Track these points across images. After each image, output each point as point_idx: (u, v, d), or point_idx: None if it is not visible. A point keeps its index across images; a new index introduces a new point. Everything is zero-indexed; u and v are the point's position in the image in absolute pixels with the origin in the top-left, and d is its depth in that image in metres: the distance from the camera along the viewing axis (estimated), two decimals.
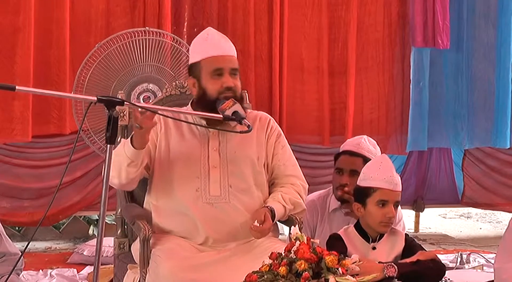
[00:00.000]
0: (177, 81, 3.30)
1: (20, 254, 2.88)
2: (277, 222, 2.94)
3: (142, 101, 4.23)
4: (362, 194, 2.78)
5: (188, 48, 4.31)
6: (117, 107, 2.22)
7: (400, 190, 2.78)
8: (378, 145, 3.49)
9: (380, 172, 2.75)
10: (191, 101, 2.94)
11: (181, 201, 2.79)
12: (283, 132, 3.03)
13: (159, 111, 2.57)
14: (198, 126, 2.84)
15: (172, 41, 4.36)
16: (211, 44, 2.82)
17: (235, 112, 2.69)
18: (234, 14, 4.94)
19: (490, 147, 5.62)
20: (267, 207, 2.76)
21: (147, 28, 4.40)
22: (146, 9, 4.74)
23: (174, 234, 2.81)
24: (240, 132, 2.67)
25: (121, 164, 2.68)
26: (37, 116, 4.61)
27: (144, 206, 2.98)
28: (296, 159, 3.04)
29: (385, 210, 2.73)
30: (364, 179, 2.80)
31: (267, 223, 2.68)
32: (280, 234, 3.22)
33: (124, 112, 3.11)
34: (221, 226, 2.78)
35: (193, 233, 2.78)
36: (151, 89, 4.29)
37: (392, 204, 2.74)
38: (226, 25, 4.90)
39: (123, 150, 2.67)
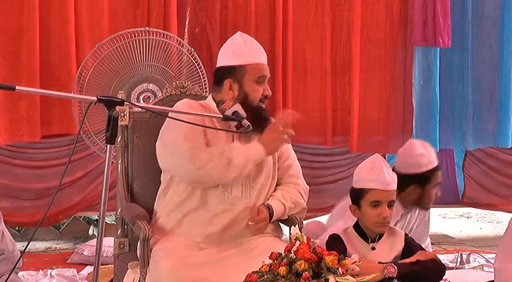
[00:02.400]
0: (177, 81, 3.31)
1: (20, 254, 2.87)
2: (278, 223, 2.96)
3: (142, 101, 4.23)
4: (356, 196, 2.78)
5: (189, 49, 4.36)
6: (117, 107, 2.22)
7: (394, 189, 2.75)
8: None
9: (372, 172, 2.73)
10: (211, 96, 2.95)
11: (202, 196, 2.81)
12: None
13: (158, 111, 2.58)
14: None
15: (173, 42, 4.37)
16: (255, 51, 2.90)
17: (235, 112, 2.71)
18: (236, 14, 4.93)
19: (491, 147, 5.61)
20: (263, 204, 2.82)
21: (147, 28, 4.40)
22: (150, 10, 4.72)
23: (177, 225, 2.82)
24: (240, 132, 2.69)
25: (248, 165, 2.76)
26: (45, 116, 4.60)
27: (162, 187, 2.95)
28: (297, 159, 3.07)
29: (379, 211, 2.71)
30: (357, 181, 2.79)
31: (261, 215, 2.75)
32: None
33: (124, 112, 3.11)
34: (230, 228, 2.80)
35: (193, 231, 2.80)
36: (151, 89, 4.29)
37: (386, 203, 2.73)
38: (228, 25, 4.90)
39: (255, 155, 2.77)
